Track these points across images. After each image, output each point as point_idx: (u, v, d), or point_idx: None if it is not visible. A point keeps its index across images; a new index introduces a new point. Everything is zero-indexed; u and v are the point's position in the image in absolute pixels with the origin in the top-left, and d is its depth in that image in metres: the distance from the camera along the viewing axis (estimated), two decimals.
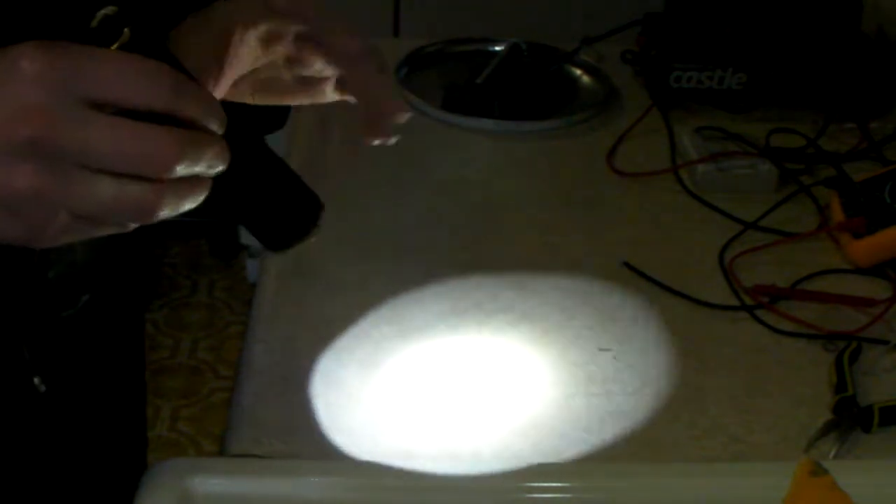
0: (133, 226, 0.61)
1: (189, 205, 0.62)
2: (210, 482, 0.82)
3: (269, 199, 0.70)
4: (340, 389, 0.99)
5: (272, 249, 0.72)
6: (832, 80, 1.44)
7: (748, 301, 1.13)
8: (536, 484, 0.84)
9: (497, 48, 1.57)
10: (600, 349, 1.05)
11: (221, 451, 0.95)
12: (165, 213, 0.60)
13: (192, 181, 0.61)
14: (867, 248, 1.17)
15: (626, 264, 1.16)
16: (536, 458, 0.93)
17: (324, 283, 1.12)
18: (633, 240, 1.22)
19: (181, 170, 0.59)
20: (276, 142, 0.89)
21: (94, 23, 0.61)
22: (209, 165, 0.61)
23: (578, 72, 1.56)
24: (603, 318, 1.09)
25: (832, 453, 0.95)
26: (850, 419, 0.97)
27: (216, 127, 0.61)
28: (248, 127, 0.70)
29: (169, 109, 0.59)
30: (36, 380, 0.79)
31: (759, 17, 1.47)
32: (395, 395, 0.98)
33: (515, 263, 1.16)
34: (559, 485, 0.84)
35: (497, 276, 1.14)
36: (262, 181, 0.70)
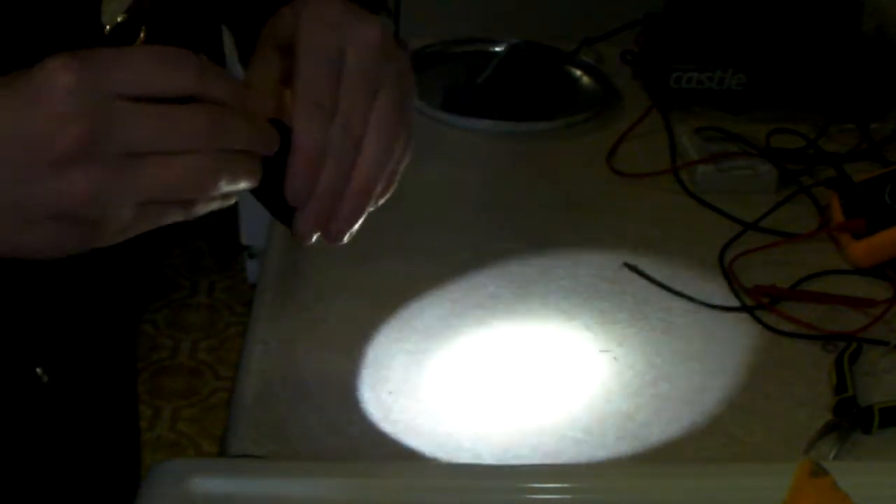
0: (199, 210, 0.63)
1: (245, 181, 0.64)
2: (210, 482, 0.82)
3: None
4: (340, 390, 0.99)
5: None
6: (832, 80, 1.44)
7: (748, 301, 1.12)
8: (536, 484, 0.84)
9: (497, 48, 1.57)
10: (600, 351, 1.05)
11: (221, 452, 0.95)
12: (225, 183, 0.62)
13: (243, 153, 0.63)
14: (867, 248, 1.17)
15: (626, 264, 1.16)
16: (536, 459, 0.93)
17: (323, 284, 1.12)
18: (633, 240, 1.21)
19: (225, 138, 0.61)
20: None
21: (107, 31, 0.63)
22: (251, 142, 0.64)
23: (578, 72, 1.56)
24: (603, 319, 1.09)
25: (832, 454, 0.95)
26: (851, 420, 0.97)
27: (244, 107, 0.64)
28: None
29: (197, 91, 0.61)
30: (38, 370, 0.79)
31: (758, 17, 1.46)
32: (394, 396, 0.98)
33: (515, 264, 1.16)
34: (559, 485, 0.84)
35: (497, 276, 1.14)
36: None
